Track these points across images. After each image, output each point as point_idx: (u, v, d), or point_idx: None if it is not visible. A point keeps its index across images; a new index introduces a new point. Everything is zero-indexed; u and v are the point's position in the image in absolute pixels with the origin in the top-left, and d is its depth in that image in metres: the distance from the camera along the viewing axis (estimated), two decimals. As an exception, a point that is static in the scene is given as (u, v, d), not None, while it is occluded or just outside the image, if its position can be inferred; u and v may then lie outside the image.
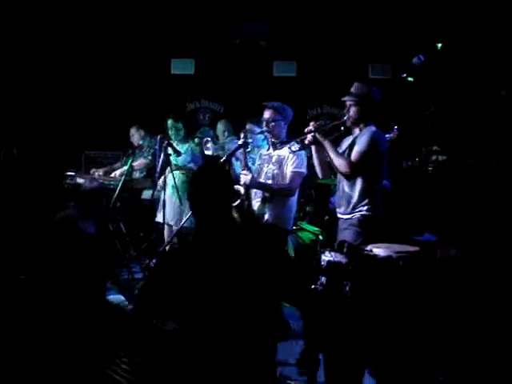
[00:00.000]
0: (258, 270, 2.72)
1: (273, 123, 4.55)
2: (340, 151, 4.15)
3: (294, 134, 4.65)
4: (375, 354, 3.49)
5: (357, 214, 4.01)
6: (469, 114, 6.50)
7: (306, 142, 4.16)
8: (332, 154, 4.06)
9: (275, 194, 4.53)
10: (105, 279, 4.75)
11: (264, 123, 4.62)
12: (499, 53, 6.49)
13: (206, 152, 4.89)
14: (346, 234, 4.04)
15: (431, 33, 6.87)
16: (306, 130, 4.16)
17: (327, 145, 4.08)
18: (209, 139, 5.01)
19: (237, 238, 2.82)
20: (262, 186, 4.59)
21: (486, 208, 5.33)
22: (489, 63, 6.62)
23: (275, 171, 4.56)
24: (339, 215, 4.18)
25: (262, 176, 4.65)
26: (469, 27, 6.71)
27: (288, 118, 4.62)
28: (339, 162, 4.02)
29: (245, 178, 4.48)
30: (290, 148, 4.39)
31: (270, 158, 4.66)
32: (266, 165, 4.67)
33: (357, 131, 4.14)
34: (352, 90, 4.15)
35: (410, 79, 6.38)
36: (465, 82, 6.83)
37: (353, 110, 4.12)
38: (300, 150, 4.32)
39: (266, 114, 4.59)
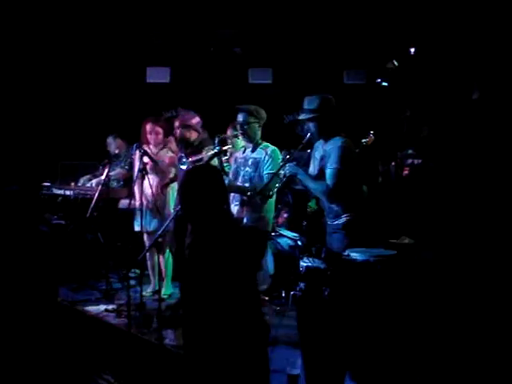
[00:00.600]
0: (242, 270, 2.74)
1: (246, 126, 4.57)
2: (315, 168, 4.16)
3: (270, 138, 4.69)
4: (355, 357, 3.51)
5: (342, 219, 4.04)
6: (443, 117, 6.57)
7: (283, 176, 4.17)
8: (309, 184, 4.06)
9: (253, 196, 4.53)
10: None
11: (238, 126, 4.64)
12: (471, 56, 6.58)
13: (182, 167, 4.88)
14: (333, 238, 4.07)
15: (404, 38, 6.95)
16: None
17: (301, 175, 4.08)
18: (183, 155, 5.00)
19: (229, 240, 2.79)
20: (240, 189, 4.59)
21: (458, 210, 5.39)
22: (461, 67, 6.71)
23: (252, 173, 4.57)
24: (327, 221, 4.20)
25: (239, 179, 4.65)
26: (441, 31, 6.79)
27: (262, 119, 4.63)
28: (318, 190, 4.03)
29: None
30: (265, 150, 4.51)
31: (246, 160, 4.66)
32: (242, 168, 4.68)
33: (325, 142, 4.10)
34: (305, 105, 4.11)
35: (384, 84, 6.46)
36: (438, 85, 6.92)
37: (312, 126, 4.09)
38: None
39: (240, 117, 4.60)
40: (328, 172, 3.94)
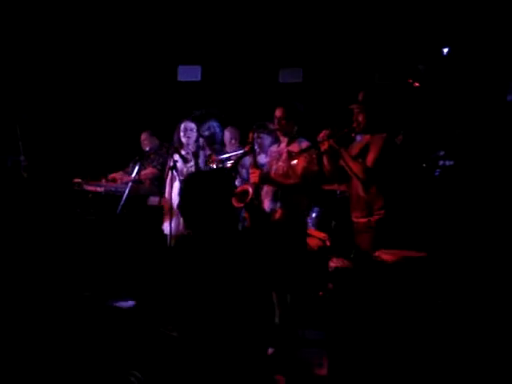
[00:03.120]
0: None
1: (284, 121, 4.56)
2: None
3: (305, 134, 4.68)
4: (383, 359, 3.49)
5: (374, 217, 4.02)
6: (475, 118, 6.48)
7: (322, 149, 4.18)
8: (349, 161, 4.09)
9: (288, 190, 4.52)
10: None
11: (275, 121, 4.62)
12: (506, 56, 6.48)
13: (211, 165, 4.90)
14: (362, 238, 4.05)
15: (436, 38, 6.87)
16: (319, 138, 4.18)
17: (343, 152, 4.11)
18: (211, 153, 5.01)
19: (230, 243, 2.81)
20: (274, 181, 4.58)
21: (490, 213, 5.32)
22: (495, 67, 6.61)
23: (285, 168, 4.56)
24: (354, 219, 4.18)
25: (272, 173, 4.65)
26: (474, 31, 6.70)
27: (299, 114, 4.63)
28: (356, 167, 4.06)
29: (253, 176, 4.48)
30: (300, 144, 4.46)
31: (280, 154, 4.65)
32: (275, 161, 4.67)
33: (367, 138, 4.15)
34: (359, 97, 4.18)
35: (416, 84, 6.39)
36: (472, 86, 6.82)
37: (361, 117, 4.13)
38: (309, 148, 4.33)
39: (278, 113, 4.59)
40: (370, 155, 4.05)
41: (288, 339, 4.53)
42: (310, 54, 7.95)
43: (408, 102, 7.16)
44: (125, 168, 7.05)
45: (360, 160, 4.08)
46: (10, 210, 6.33)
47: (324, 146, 4.15)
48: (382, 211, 4.01)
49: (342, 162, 4.16)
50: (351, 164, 4.07)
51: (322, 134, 4.17)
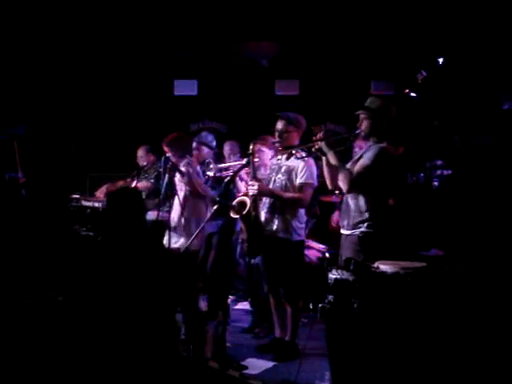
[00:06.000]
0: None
1: (285, 134, 4.55)
2: (348, 165, 4.16)
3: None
4: (384, 371, 3.46)
5: (356, 231, 3.99)
6: (472, 127, 6.50)
7: (313, 149, 4.16)
8: (336, 164, 4.06)
9: (286, 203, 4.51)
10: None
11: (276, 134, 4.60)
12: (501, 66, 6.50)
13: (209, 173, 4.88)
14: (347, 252, 4.02)
15: (433, 48, 6.89)
16: (314, 138, 4.17)
17: (331, 156, 4.07)
18: (211, 160, 4.99)
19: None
20: (273, 194, 4.56)
21: (491, 221, 5.30)
22: (491, 76, 6.63)
23: (283, 181, 4.54)
24: (342, 231, 4.16)
25: (271, 185, 4.63)
26: (470, 41, 6.72)
27: (301, 128, 4.62)
28: (341, 174, 4.01)
29: (252, 188, 4.47)
30: (295, 155, 4.47)
31: (280, 167, 4.64)
32: (274, 174, 4.66)
33: (367, 145, 4.13)
34: (366, 103, 4.16)
35: (413, 95, 6.41)
36: (468, 95, 6.84)
37: (365, 124, 4.12)
38: (305, 156, 4.34)
39: (279, 125, 4.58)
40: (359, 163, 4.00)
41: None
42: (306, 65, 7.98)
43: (404, 112, 7.17)
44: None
45: (348, 169, 4.05)
46: (8, 226, 6.31)
47: (315, 147, 4.14)
48: (365, 225, 3.97)
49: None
50: (338, 168, 4.05)
51: (319, 135, 4.17)
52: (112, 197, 3.47)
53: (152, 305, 3.13)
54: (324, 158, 4.19)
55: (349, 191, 4.02)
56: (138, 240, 3.31)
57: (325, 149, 4.09)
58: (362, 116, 4.14)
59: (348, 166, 4.13)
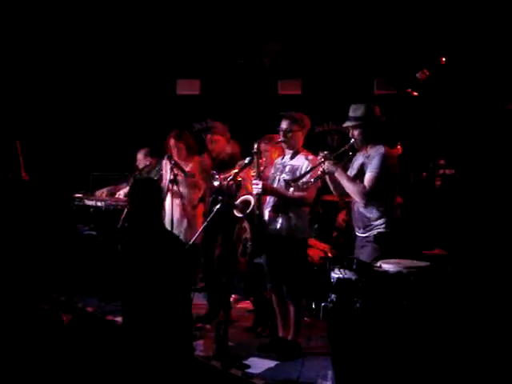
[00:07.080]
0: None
1: (290, 133, 4.55)
2: (353, 172, 4.16)
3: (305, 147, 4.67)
4: (387, 371, 3.45)
5: (374, 232, 4.00)
6: (474, 126, 6.48)
7: (319, 173, 4.16)
8: (346, 182, 4.05)
9: (290, 202, 4.51)
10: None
11: (281, 133, 4.60)
12: (505, 64, 6.48)
13: (214, 183, 4.91)
14: (363, 251, 4.02)
15: (435, 47, 6.88)
16: (316, 161, 4.18)
17: (339, 174, 4.07)
18: (215, 172, 5.02)
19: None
20: (278, 193, 4.56)
21: (491, 221, 5.30)
22: (495, 76, 6.61)
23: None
24: (357, 233, 4.15)
25: (275, 184, 4.64)
26: (473, 39, 6.71)
27: (306, 127, 4.63)
28: (353, 190, 4.02)
29: (256, 187, 4.47)
30: (304, 157, 4.52)
31: (284, 167, 4.65)
32: (278, 173, 4.66)
33: (367, 150, 4.11)
34: (350, 113, 4.14)
35: (415, 94, 6.39)
36: (470, 94, 6.82)
37: (356, 133, 4.11)
38: (316, 179, 4.28)
39: (284, 124, 4.58)
40: (368, 175, 3.98)
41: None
42: (308, 64, 7.97)
43: (407, 111, 7.17)
44: (123, 182, 7.02)
45: (358, 181, 4.04)
46: (11, 224, 6.32)
47: (320, 170, 4.15)
48: (382, 226, 3.97)
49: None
50: (348, 185, 4.02)
51: (319, 158, 4.17)
52: (138, 185, 3.65)
53: (173, 297, 3.30)
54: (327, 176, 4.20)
55: (366, 204, 4.02)
56: (162, 231, 3.54)
57: (332, 168, 4.09)
58: (349, 127, 4.14)
59: (352, 173, 4.14)
